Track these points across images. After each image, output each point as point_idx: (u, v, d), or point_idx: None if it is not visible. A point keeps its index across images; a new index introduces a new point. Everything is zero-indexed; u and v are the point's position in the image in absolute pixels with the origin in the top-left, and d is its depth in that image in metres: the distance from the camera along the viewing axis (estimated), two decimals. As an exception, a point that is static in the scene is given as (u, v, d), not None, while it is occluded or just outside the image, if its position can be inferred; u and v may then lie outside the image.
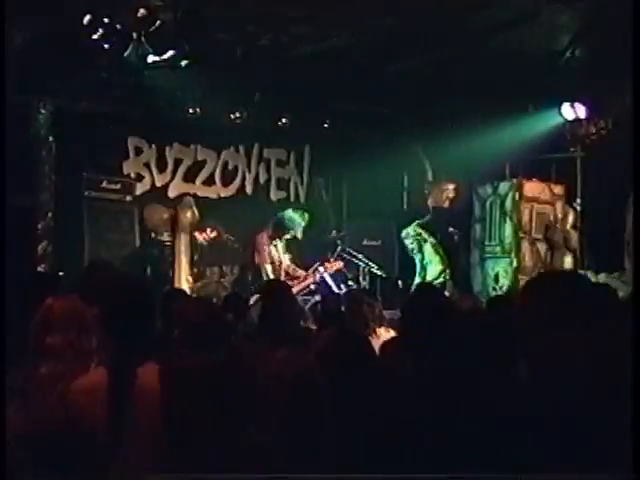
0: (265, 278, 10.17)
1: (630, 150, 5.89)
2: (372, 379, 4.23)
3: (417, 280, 12.34)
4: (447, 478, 3.43)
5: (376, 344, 6.07)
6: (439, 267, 12.51)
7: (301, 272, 10.69)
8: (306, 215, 10.80)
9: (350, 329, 4.52)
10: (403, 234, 12.94)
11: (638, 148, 5.88)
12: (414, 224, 12.89)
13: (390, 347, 5.20)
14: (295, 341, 4.80)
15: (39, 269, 9.89)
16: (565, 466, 3.07)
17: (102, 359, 3.62)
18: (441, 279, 12.40)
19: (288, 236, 10.66)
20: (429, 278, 12.33)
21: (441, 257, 12.52)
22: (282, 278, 10.22)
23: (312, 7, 9.10)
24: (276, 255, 10.57)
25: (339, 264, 10.82)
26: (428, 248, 12.60)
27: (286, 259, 10.73)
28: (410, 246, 12.82)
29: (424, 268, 12.64)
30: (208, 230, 11.64)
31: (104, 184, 11.19)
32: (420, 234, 12.78)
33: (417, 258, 12.74)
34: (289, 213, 10.78)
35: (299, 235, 10.72)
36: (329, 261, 10.80)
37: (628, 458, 3.03)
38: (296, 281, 10.39)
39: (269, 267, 10.44)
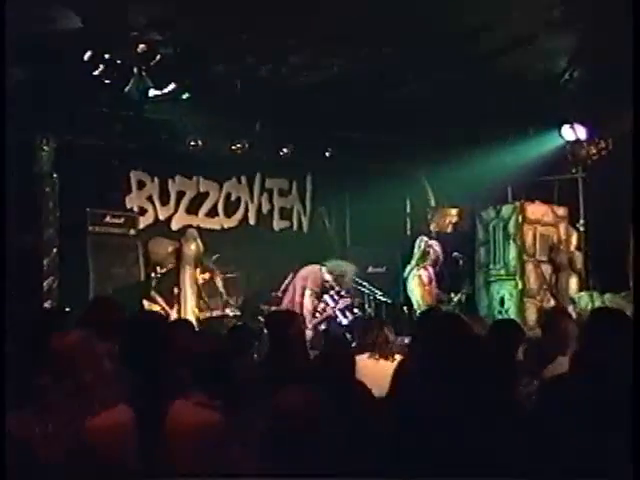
0: None
1: (631, 169, 5.91)
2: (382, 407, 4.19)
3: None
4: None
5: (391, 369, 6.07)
6: None
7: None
8: None
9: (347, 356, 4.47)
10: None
11: (638, 157, 5.91)
12: None
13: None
14: (301, 373, 4.76)
15: (46, 305, 9.89)
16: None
17: (121, 394, 3.55)
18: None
19: None
20: None
21: None
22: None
23: (310, 37, 9.15)
24: None
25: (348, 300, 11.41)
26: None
27: None
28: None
29: None
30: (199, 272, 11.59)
31: (108, 219, 11.18)
32: None
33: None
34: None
35: None
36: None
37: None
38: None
39: None
